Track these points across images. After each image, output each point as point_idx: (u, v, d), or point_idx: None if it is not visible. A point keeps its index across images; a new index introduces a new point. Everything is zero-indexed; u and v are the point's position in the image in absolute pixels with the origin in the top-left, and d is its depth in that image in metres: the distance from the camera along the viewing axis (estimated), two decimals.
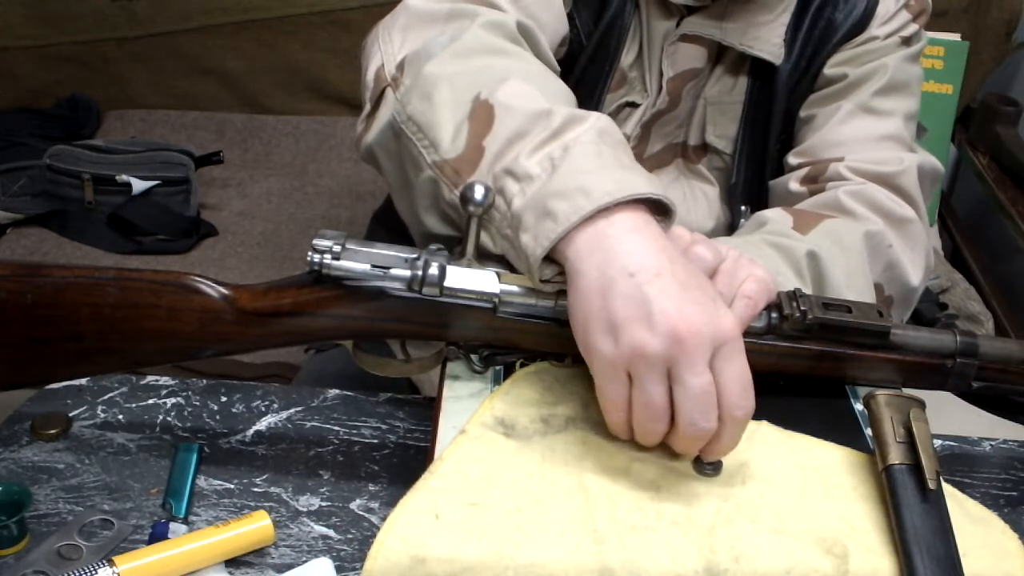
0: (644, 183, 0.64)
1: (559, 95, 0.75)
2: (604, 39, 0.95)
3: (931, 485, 0.63)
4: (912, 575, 0.60)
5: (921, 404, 0.68)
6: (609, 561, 0.60)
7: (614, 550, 0.60)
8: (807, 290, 0.81)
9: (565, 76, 0.94)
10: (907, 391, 0.71)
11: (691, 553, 0.61)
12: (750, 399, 0.61)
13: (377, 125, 0.79)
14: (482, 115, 0.71)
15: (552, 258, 0.65)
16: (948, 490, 0.67)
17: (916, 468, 0.64)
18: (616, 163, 0.66)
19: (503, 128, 0.70)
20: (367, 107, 0.80)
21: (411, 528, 0.60)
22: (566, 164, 0.65)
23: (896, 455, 0.65)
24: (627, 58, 0.97)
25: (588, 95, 0.96)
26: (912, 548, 0.61)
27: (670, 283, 0.60)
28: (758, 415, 0.70)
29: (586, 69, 0.96)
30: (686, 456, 0.66)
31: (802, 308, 0.71)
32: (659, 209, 0.66)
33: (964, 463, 0.81)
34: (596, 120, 0.69)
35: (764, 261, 0.78)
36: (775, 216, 0.89)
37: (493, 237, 0.69)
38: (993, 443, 0.84)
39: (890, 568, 0.62)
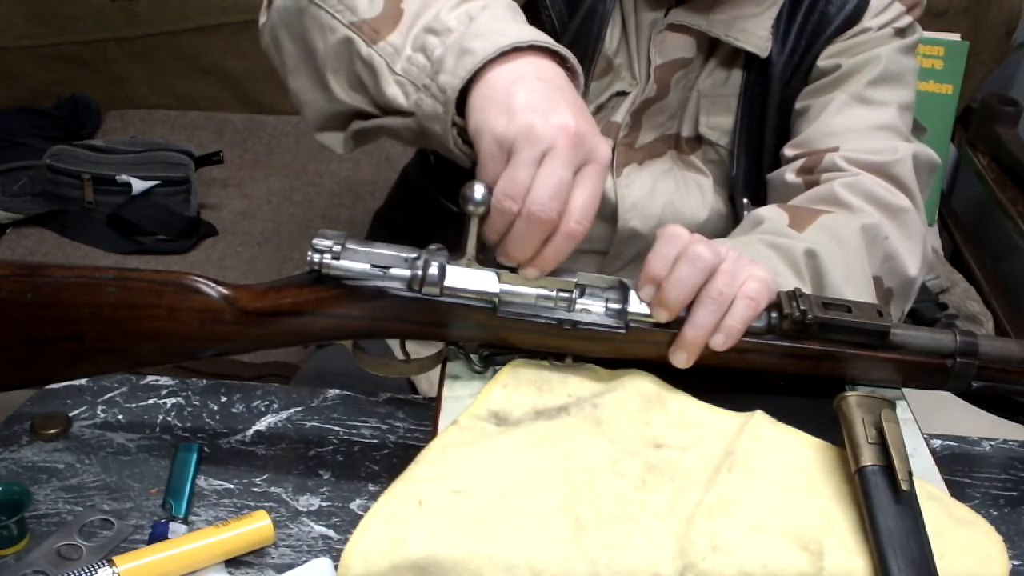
0: (556, 43, 0.70)
1: None
2: (584, 25, 0.95)
3: (903, 487, 0.63)
4: (886, 575, 0.60)
5: (892, 405, 0.68)
6: (588, 548, 0.61)
7: (594, 538, 0.61)
8: (806, 289, 0.81)
9: None
10: (879, 391, 0.71)
11: (669, 543, 0.61)
12: (588, 222, 0.66)
13: (278, 7, 0.82)
14: None
15: (462, 127, 0.69)
16: (933, 492, 0.67)
17: (888, 469, 0.64)
18: (528, 25, 0.73)
19: None
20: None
21: (394, 514, 0.61)
22: (484, 15, 0.71)
23: (868, 456, 0.65)
24: (610, 45, 0.97)
25: None
26: (886, 549, 0.61)
27: (571, 98, 0.67)
28: (754, 409, 0.71)
29: None
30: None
31: (802, 308, 0.71)
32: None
33: (964, 463, 0.81)
34: None
35: (762, 262, 0.78)
36: (770, 214, 0.89)
37: (407, 90, 0.72)
38: (993, 443, 0.84)
39: (865, 567, 0.62)
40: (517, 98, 0.66)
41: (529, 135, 0.64)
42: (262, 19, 0.87)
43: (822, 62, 0.98)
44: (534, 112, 0.65)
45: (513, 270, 0.69)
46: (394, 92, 0.72)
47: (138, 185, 1.72)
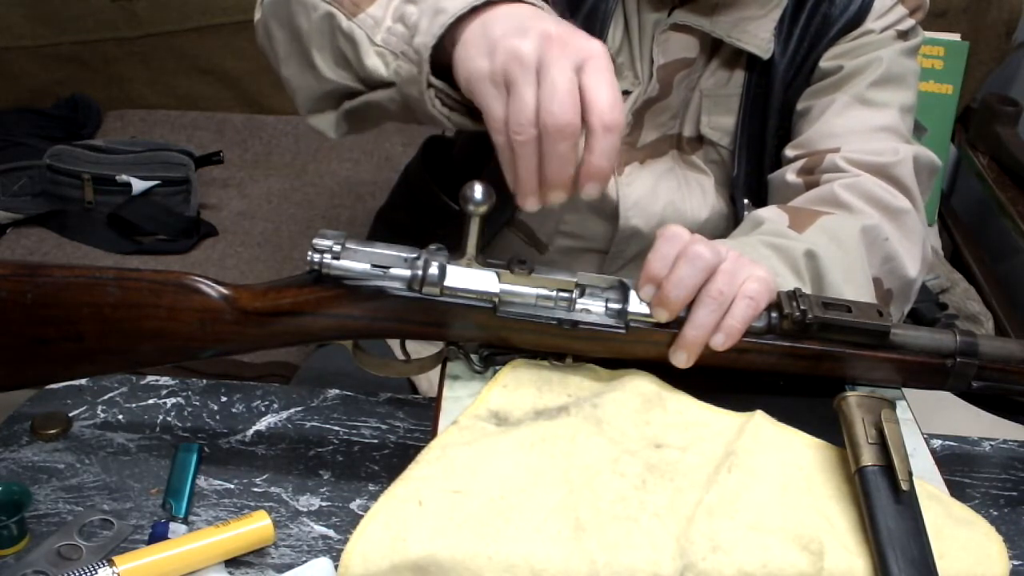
0: None
1: None
2: (586, 24, 0.95)
3: (903, 486, 0.63)
4: (886, 575, 0.60)
5: (892, 405, 0.68)
6: (588, 549, 0.61)
7: (594, 538, 0.61)
8: (806, 290, 0.81)
9: None
10: (879, 391, 0.71)
11: (669, 543, 0.61)
12: (620, 110, 0.64)
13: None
14: None
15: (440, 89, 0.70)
16: (932, 491, 0.67)
17: (888, 469, 0.64)
18: None
19: None
20: None
21: (393, 514, 0.61)
22: None
23: (868, 456, 0.65)
24: (612, 44, 0.97)
25: None
26: (886, 549, 0.61)
27: (549, 15, 0.67)
28: (754, 409, 0.71)
29: None
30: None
31: (802, 307, 0.71)
32: None
33: (964, 463, 0.81)
34: None
35: (762, 263, 0.78)
36: (771, 215, 0.89)
37: (387, 60, 0.72)
38: (993, 443, 0.84)
39: (865, 567, 0.62)
40: (494, 32, 0.65)
41: (516, 56, 0.63)
42: (256, 16, 0.87)
43: (824, 63, 0.99)
44: (513, 36, 0.64)
45: (512, 270, 0.69)
46: (375, 63, 0.72)
47: (138, 185, 1.72)
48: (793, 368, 0.72)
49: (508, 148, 0.65)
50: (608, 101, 0.64)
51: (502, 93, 0.65)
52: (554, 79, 0.63)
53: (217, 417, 0.79)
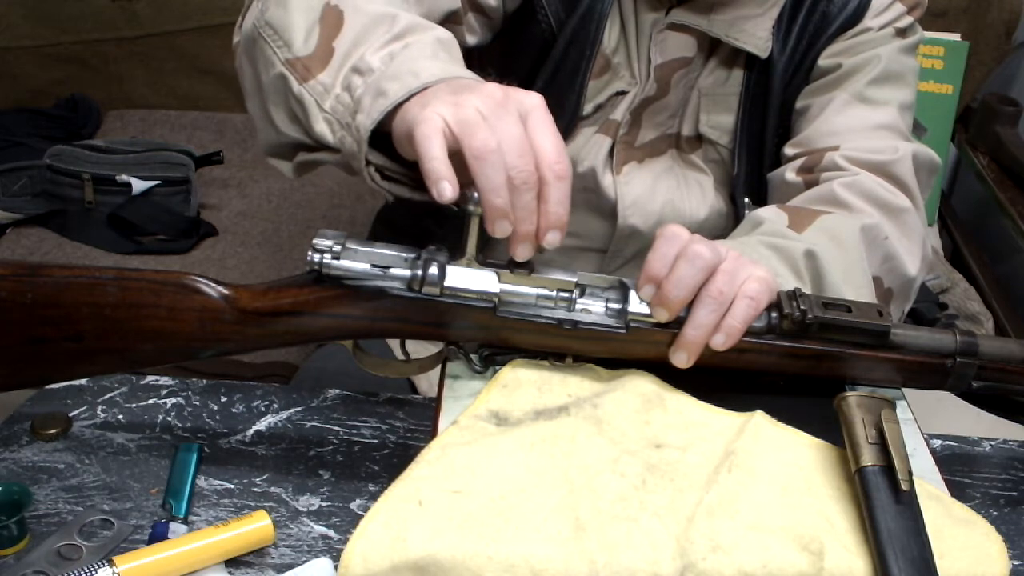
0: (471, 76, 0.70)
1: (405, 5, 0.79)
2: (582, 25, 0.95)
3: (903, 486, 0.63)
4: (886, 575, 0.60)
5: (892, 405, 0.68)
6: (588, 549, 0.61)
7: (594, 539, 0.61)
8: (806, 290, 0.81)
9: (539, 64, 0.97)
10: (879, 391, 0.71)
11: (669, 543, 0.61)
12: (566, 159, 0.65)
13: (243, 32, 0.83)
14: (331, 19, 0.75)
15: (380, 167, 0.70)
16: (933, 492, 0.67)
17: (889, 469, 0.64)
18: (449, 60, 0.72)
19: (351, 30, 0.74)
20: (240, 19, 0.86)
21: (394, 514, 0.61)
22: (403, 55, 0.71)
23: (868, 457, 0.65)
24: (609, 44, 0.97)
25: (569, 81, 0.97)
26: (886, 549, 0.61)
27: (482, 80, 0.67)
28: (754, 409, 0.71)
29: (565, 54, 0.97)
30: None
31: (802, 307, 0.71)
32: None
33: (964, 463, 0.81)
34: (439, 32, 0.75)
35: (762, 263, 0.78)
36: (770, 215, 0.89)
37: (334, 128, 0.72)
38: (993, 443, 0.84)
39: (865, 567, 0.62)
40: (429, 96, 0.65)
41: (458, 108, 0.63)
42: (235, 39, 0.86)
43: (823, 61, 0.99)
44: (451, 95, 0.64)
45: (511, 270, 0.69)
46: (322, 129, 0.72)
47: (138, 185, 1.72)
48: (793, 368, 0.73)
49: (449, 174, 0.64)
50: (555, 151, 0.64)
51: (444, 131, 0.63)
52: (504, 133, 0.63)
53: (217, 417, 0.79)
